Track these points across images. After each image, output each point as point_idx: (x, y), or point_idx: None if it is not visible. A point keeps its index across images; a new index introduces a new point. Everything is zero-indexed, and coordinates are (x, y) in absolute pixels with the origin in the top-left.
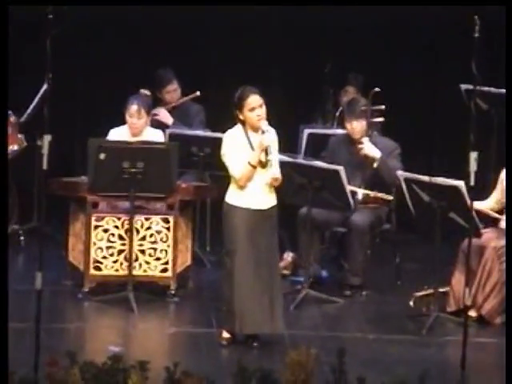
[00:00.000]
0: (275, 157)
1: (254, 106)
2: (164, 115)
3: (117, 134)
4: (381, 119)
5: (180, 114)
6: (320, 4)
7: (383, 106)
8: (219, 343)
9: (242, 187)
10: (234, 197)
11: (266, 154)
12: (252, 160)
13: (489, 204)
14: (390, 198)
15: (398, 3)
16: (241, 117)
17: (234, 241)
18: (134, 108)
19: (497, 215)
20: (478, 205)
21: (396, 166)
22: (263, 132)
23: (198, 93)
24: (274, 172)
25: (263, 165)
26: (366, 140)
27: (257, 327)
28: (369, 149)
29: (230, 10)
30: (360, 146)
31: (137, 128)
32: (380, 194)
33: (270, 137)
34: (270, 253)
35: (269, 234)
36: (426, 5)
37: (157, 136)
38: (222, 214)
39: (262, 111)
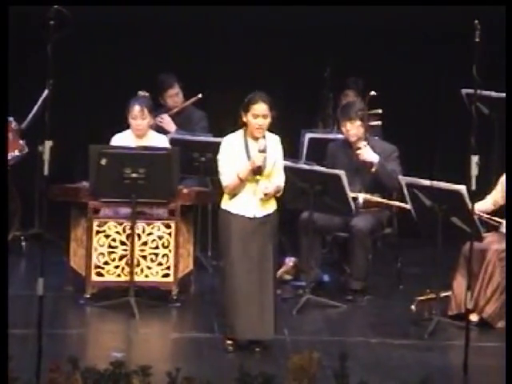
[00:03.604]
0: (278, 168)
1: (258, 113)
2: (167, 122)
3: (120, 139)
4: (378, 123)
5: (183, 120)
6: (318, 4)
7: (380, 110)
8: (224, 349)
9: (233, 195)
10: (227, 203)
11: (255, 173)
12: (241, 173)
13: (486, 205)
14: (394, 203)
15: (396, 3)
16: (244, 119)
17: (227, 247)
18: (136, 109)
19: (498, 219)
20: (477, 206)
21: (395, 169)
22: (261, 151)
23: (199, 95)
24: (267, 186)
25: (259, 173)
26: (364, 145)
27: (248, 333)
28: (367, 153)
29: (230, 14)
30: (358, 151)
31: (141, 129)
32: (381, 200)
33: (264, 157)
34: (263, 259)
35: (262, 241)
36: (425, 5)
37: (161, 140)
38: (218, 220)
39: (264, 122)
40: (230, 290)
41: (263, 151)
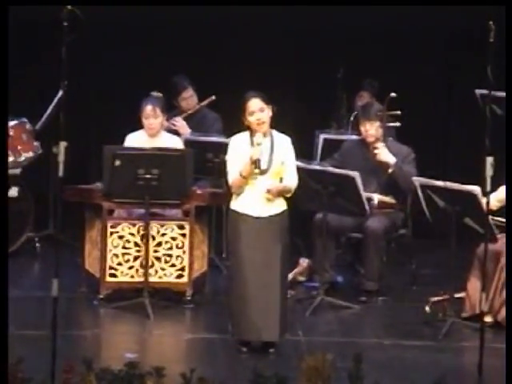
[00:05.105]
0: (289, 168)
1: (254, 109)
2: (181, 125)
3: (134, 139)
4: (397, 124)
5: (197, 122)
6: (330, 4)
7: (399, 112)
8: (238, 350)
9: (239, 193)
10: (235, 203)
11: (256, 167)
12: (243, 170)
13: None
14: (390, 200)
15: (400, 3)
16: (245, 121)
17: (234, 246)
18: (148, 108)
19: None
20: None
21: (411, 171)
22: (258, 144)
23: (213, 97)
24: (271, 183)
25: (262, 172)
26: (381, 145)
27: (253, 334)
28: (384, 154)
29: (242, 15)
30: (375, 151)
31: (154, 128)
32: (393, 201)
33: (261, 150)
34: (270, 260)
35: (269, 241)
36: (427, 5)
37: (174, 141)
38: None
39: (263, 115)
40: (236, 289)
41: (259, 144)
